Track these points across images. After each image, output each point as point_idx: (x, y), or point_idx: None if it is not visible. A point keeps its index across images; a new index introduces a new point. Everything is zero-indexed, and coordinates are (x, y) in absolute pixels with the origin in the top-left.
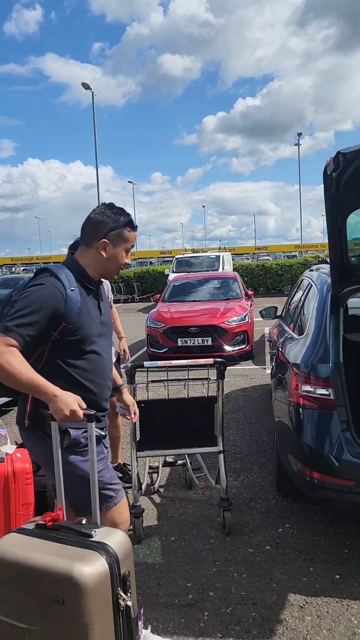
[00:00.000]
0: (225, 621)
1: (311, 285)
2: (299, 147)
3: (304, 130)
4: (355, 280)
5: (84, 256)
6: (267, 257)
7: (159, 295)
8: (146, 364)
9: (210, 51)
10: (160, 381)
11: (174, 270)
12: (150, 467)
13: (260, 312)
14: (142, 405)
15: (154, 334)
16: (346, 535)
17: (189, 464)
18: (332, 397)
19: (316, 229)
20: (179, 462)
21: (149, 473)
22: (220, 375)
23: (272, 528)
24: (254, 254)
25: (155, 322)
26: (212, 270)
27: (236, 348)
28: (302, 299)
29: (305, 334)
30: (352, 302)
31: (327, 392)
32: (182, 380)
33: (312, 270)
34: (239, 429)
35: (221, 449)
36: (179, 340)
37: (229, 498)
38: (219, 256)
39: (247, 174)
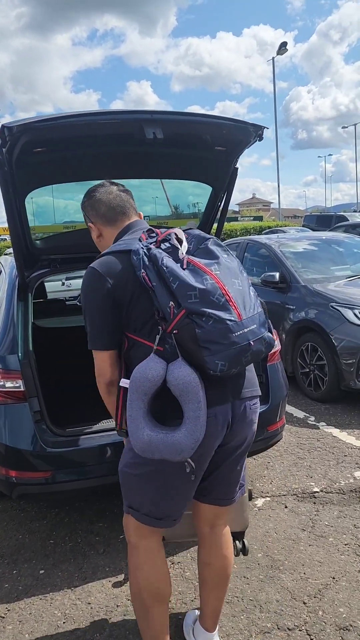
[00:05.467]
0: None
1: (1, 271)
2: None
3: (5, 109)
4: (43, 265)
5: None
6: None
7: None
8: None
9: None
10: None
11: None
12: None
13: None
14: None
15: None
16: (52, 525)
17: None
18: (22, 389)
19: None
20: None
21: None
22: None
23: None
24: None
25: None
26: None
27: None
28: None
29: None
30: (52, 286)
31: (17, 385)
32: None
33: (6, 255)
34: None
35: None
36: None
37: None
38: None
39: None
